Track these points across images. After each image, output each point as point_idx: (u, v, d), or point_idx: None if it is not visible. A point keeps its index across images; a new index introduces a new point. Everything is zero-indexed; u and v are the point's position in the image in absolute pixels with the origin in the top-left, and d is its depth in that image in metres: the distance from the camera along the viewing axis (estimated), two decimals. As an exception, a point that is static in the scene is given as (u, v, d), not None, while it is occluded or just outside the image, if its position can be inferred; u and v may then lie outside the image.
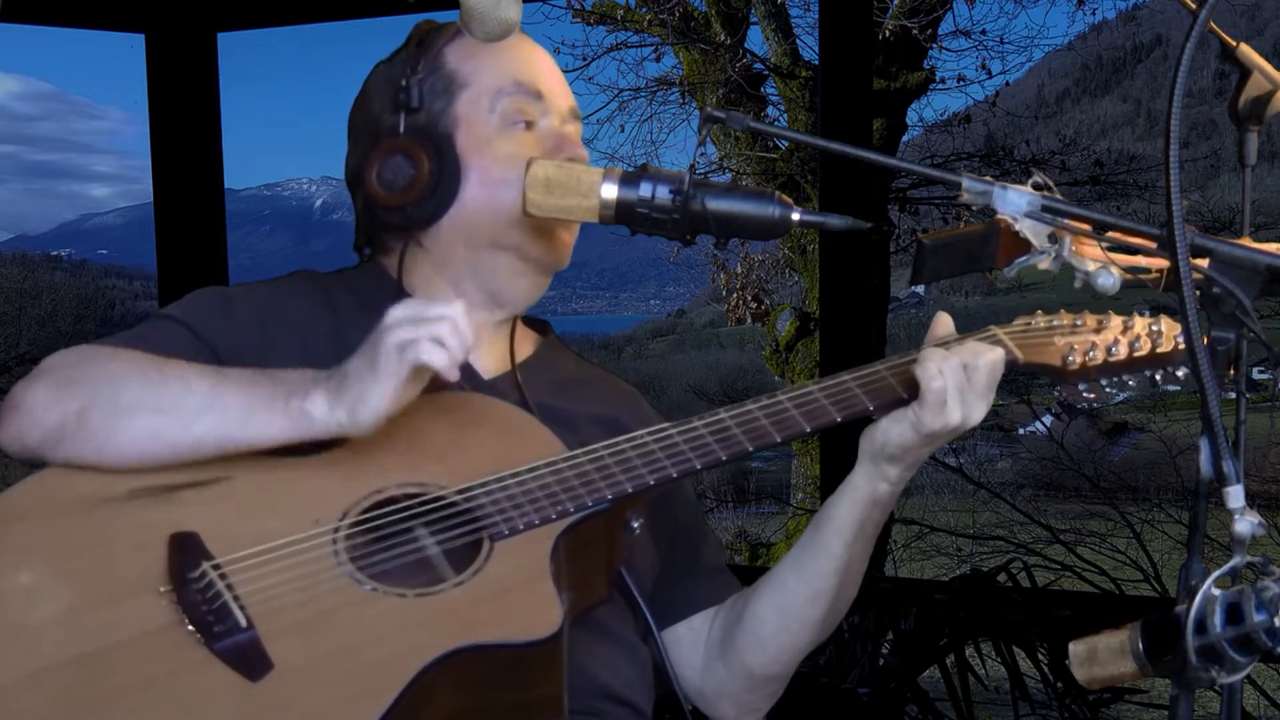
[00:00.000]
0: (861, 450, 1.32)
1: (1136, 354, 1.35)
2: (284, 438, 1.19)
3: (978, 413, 1.27)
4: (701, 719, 1.49)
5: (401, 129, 1.39)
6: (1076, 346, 1.35)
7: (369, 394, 1.16)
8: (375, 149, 1.39)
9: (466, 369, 1.41)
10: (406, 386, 1.17)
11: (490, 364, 1.44)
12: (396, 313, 1.17)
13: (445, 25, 1.46)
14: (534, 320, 1.56)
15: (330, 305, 1.41)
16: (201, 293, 1.41)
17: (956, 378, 1.25)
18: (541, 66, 1.44)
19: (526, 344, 1.51)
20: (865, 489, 1.33)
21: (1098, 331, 1.36)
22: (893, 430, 1.28)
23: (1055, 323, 1.38)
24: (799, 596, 1.38)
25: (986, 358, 1.27)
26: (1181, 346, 1.34)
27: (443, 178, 1.38)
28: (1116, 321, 1.37)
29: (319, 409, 1.18)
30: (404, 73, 1.42)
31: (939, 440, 1.28)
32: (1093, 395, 1.36)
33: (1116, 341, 1.35)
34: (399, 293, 1.42)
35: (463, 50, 1.43)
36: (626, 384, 1.57)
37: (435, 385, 1.33)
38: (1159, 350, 1.35)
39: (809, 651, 1.43)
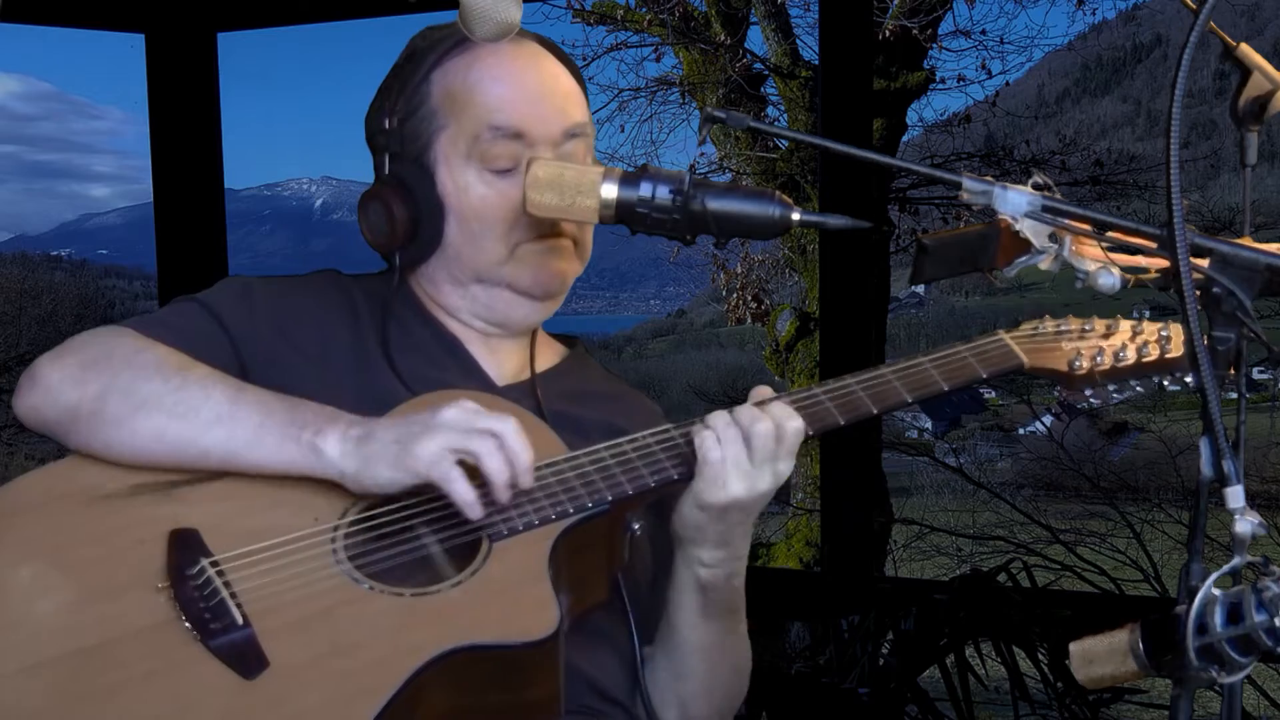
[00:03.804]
0: (672, 535, 1.30)
1: (1145, 360, 1.33)
2: (288, 467, 1.19)
3: (764, 482, 1.22)
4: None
5: (386, 169, 1.39)
6: (1084, 352, 1.34)
7: (381, 469, 1.16)
8: (365, 194, 1.39)
9: (481, 377, 1.41)
10: (420, 482, 1.16)
11: (506, 371, 1.44)
12: (448, 414, 1.16)
13: (438, 40, 1.40)
14: (562, 335, 1.56)
15: (352, 307, 1.42)
16: (226, 281, 1.42)
17: (734, 448, 1.20)
18: (525, 97, 1.36)
19: (550, 354, 1.51)
20: (685, 575, 1.31)
21: (1106, 337, 1.35)
22: (683, 511, 1.25)
23: (1063, 328, 1.36)
24: (668, 672, 1.37)
25: (763, 425, 1.20)
26: None
27: (421, 224, 1.37)
28: (1125, 326, 1.35)
29: (330, 449, 1.18)
30: (388, 104, 1.39)
31: (737, 514, 1.23)
32: (1098, 399, 1.35)
33: (1125, 347, 1.33)
34: (417, 305, 1.44)
35: (447, 80, 1.37)
36: (651, 402, 1.55)
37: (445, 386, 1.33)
38: (1168, 356, 1.33)
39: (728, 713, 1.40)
